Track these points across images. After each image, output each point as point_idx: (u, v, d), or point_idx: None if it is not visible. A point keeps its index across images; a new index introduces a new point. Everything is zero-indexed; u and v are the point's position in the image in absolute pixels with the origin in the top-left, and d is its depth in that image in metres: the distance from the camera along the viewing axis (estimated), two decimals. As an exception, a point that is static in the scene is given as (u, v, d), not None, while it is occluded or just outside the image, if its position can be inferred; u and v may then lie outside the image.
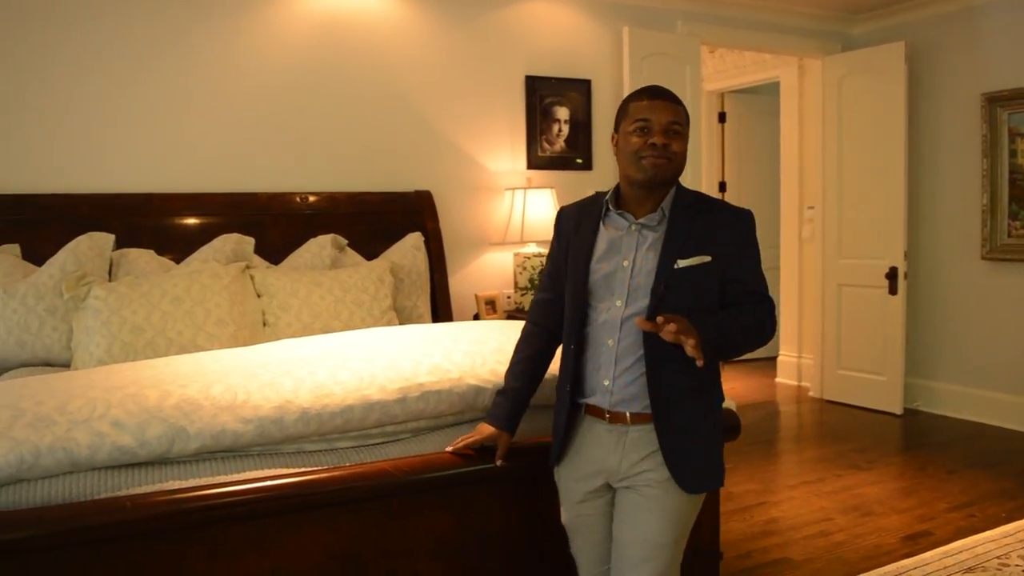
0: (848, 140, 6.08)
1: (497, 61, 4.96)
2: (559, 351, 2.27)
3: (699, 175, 5.55)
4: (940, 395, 5.91)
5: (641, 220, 2.09)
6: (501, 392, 2.31)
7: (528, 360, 2.29)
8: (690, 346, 1.87)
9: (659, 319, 1.89)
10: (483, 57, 4.91)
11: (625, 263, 2.07)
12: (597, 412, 2.10)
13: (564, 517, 2.24)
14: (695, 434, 2.07)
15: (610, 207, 2.14)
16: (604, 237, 2.13)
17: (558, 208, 2.35)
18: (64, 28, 3.88)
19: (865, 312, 6.02)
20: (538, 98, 5.04)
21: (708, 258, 2.03)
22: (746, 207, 2.18)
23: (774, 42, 6.05)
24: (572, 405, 2.15)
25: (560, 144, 5.11)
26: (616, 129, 2.15)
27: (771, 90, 7.39)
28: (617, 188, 2.18)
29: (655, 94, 2.10)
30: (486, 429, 2.27)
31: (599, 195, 2.22)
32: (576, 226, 2.20)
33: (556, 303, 2.25)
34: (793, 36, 6.08)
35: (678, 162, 2.08)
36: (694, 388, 2.07)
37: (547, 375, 2.34)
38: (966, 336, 5.77)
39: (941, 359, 5.92)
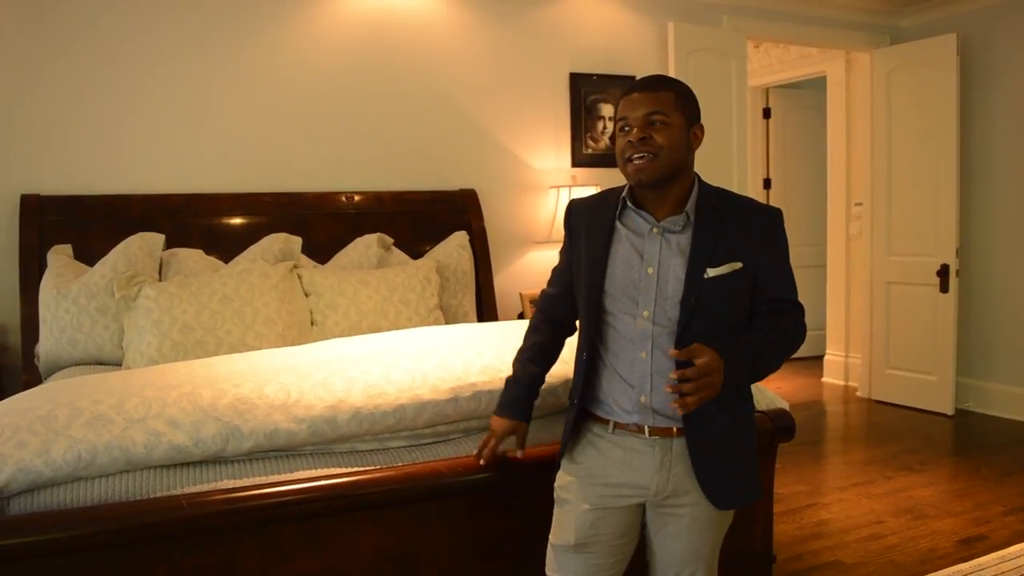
0: (897, 135, 5.97)
1: (541, 59, 4.93)
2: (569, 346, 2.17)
3: (744, 171, 5.49)
4: (992, 395, 5.78)
5: (663, 223, 1.93)
6: (511, 381, 2.18)
7: (537, 347, 2.18)
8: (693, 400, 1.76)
9: (690, 349, 1.78)
10: (527, 55, 4.89)
11: (650, 270, 1.91)
12: (632, 428, 1.95)
13: (566, 538, 2.01)
14: (728, 447, 1.96)
15: (628, 204, 1.98)
16: (622, 238, 1.97)
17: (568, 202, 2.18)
18: (116, 32, 3.93)
19: (915, 310, 5.91)
20: (582, 95, 5.01)
21: (739, 265, 1.90)
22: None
23: (821, 36, 5.96)
24: (584, 415, 2.03)
25: (604, 142, 5.07)
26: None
27: (816, 85, 7.29)
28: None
29: (633, 87, 1.95)
30: (500, 424, 2.16)
31: (612, 191, 2.06)
32: (589, 223, 2.03)
33: (564, 299, 2.14)
34: (841, 29, 5.98)
35: (666, 156, 1.88)
36: (727, 398, 1.90)
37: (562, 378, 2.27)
38: (1020, 335, 5.63)
39: (993, 359, 5.79)
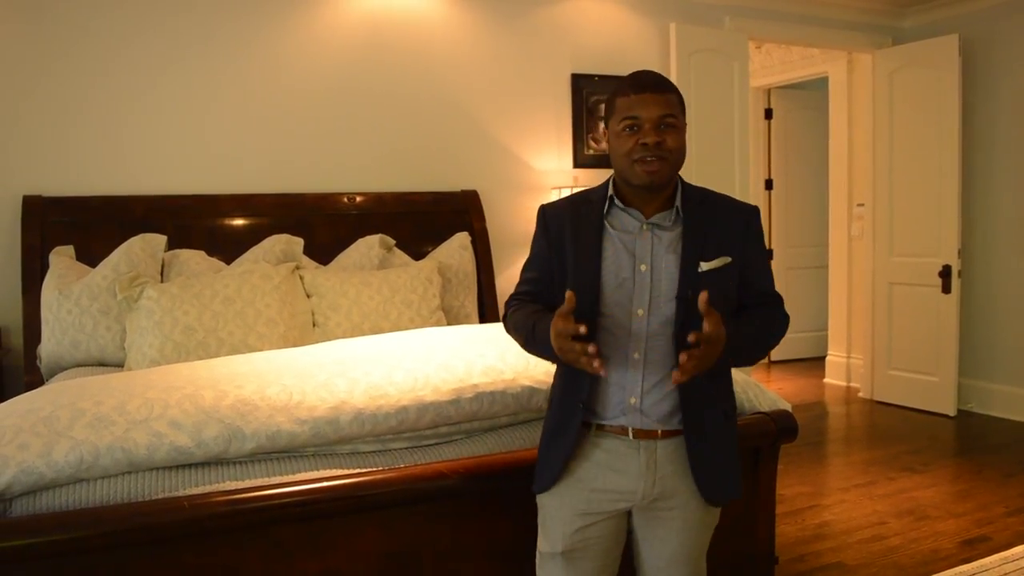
0: (899, 135, 5.97)
1: (543, 59, 4.93)
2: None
3: (746, 172, 5.48)
4: (994, 396, 5.77)
5: (653, 219, 1.92)
6: (531, 313, 1.97)
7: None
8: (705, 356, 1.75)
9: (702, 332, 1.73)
10: (529, 56, 4.89)
11: (643, 267, 1.89)
12: (616, 430, 1.92)
13: (553, 545, 1.98)
14: (720, 445, 1.97)
15: (615, 202, 1.94)
16: (612, 237, 1.93)
17: (540, 205, 2.11)
18: (118, 33, 3.93)
19: (917, 311, 5.90)
20: (584, 96, 5.00)
21: (729, 259, 1.90)
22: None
23: (823, 37, 5.96)
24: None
25: (606, 143, 5.06)
26: (606, 124, 1.96)
27: (818, 85, 7.28)
28: (615, 183, 1.98)
29: (641, 86, 1.89)
30: (557, 322, 1.79)
31: (590, 192, 2.04)
32: (573, 226, 1.97)
33: (546, 283, 2.03)
34: (843, 30, 5.98)
35: (675, 159, 1.89)
36: (717, 397, 1.97)
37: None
38: (1022, 336, 5.62)
39: (996, 360, 5.78)
